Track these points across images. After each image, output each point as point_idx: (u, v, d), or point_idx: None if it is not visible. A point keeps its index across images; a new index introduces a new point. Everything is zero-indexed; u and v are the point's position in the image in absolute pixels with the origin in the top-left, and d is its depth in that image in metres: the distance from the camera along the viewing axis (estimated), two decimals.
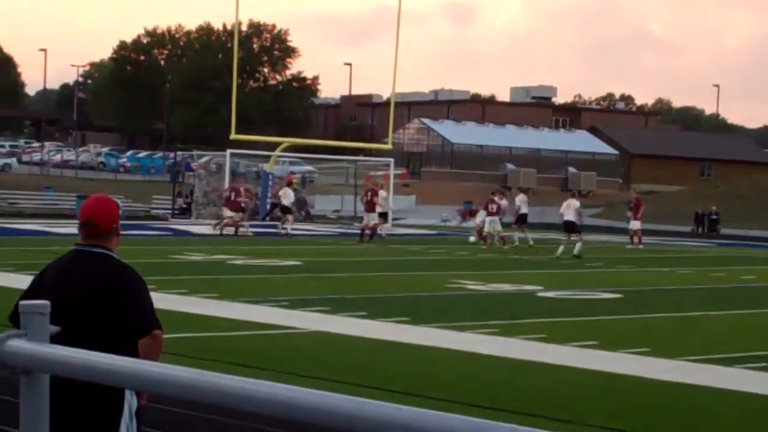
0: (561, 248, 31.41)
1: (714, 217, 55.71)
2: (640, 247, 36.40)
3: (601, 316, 18.15)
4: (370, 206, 36.52)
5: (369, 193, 37.05)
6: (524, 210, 36.43)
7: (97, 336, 5.08)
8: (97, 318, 5.42)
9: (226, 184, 45.31)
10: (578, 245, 31.19)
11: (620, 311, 18.84)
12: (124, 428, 5.41)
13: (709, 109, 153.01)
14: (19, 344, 2.75)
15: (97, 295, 5.45)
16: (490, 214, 35.15)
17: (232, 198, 37.67)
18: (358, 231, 37.07)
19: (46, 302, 2.93)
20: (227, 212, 38.04)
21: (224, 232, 36.87)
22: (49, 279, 5.64)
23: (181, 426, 9.00)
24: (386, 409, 2.34)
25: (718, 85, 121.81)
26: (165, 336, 5.60)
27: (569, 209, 32.51)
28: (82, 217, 5.70)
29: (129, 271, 5.64)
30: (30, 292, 5.51)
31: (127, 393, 5.43)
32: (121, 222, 5.86)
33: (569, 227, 32.20)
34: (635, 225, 37.28)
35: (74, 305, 5.39)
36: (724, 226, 55.11)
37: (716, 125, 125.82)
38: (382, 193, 37.46)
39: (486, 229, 35.25)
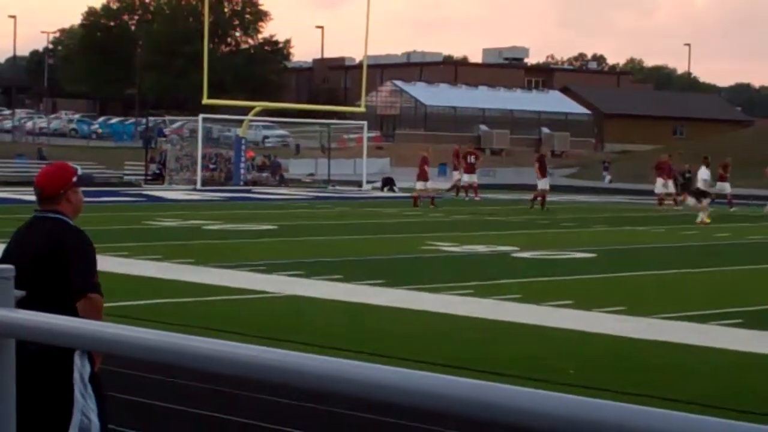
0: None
1: (687, 175, 55.82)
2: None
3: (576, 275, 18.19)
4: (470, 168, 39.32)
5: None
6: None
7: (45, 300, 5.09)
8: (44, 281, 5.47)
9: (200, 149, 45.13)
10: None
11: (595, 270, 18.90)
12: (78, 394, 5.45)
13: (680, 68, 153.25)
14: None
15: (44, 258, 5.54)
16: (662, 176, 39.22)
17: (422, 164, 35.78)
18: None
19: (11, 266, 2.91)
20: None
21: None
22: (12, 245, 5.79)
23: (144, 390, 8.97)
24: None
25: (689, 44, 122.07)
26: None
27: None
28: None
29: (76, 233, 5.70)
30: (2, 261, 5.59)
31: (77, 359, 5.43)
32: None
33: None
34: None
35: (27, 269, 5.40)
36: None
37: (688, 84, 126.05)
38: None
39: (657, 191, 39.70)
